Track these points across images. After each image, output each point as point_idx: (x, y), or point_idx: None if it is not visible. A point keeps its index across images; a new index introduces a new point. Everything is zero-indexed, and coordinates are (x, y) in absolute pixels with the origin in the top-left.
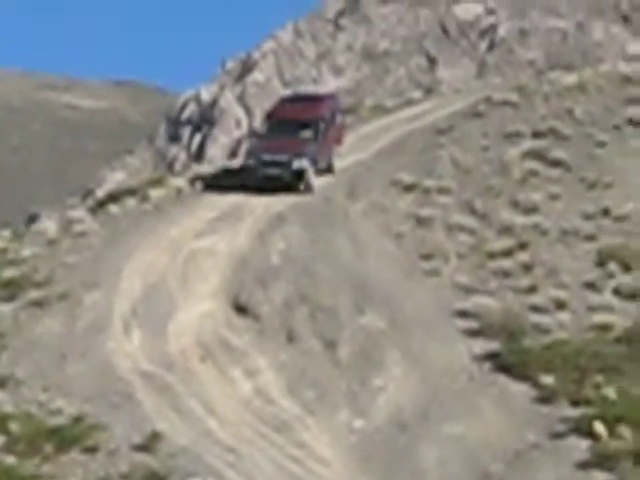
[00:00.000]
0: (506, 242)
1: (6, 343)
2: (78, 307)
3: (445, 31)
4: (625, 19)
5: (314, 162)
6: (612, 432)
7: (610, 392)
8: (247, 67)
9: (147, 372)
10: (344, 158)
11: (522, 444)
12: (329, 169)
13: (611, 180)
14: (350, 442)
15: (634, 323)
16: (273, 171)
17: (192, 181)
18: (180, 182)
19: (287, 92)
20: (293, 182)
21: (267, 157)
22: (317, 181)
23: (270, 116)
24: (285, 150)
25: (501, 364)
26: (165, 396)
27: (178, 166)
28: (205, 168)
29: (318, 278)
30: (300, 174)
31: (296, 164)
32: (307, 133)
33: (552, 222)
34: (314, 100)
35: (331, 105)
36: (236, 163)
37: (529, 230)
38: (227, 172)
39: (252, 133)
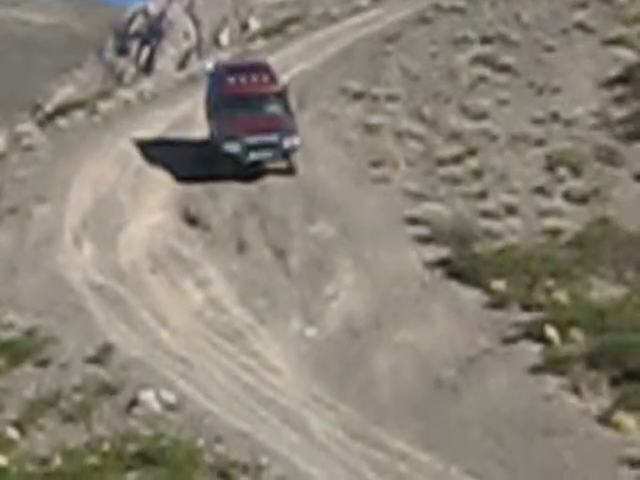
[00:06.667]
0: (455, 148)
1: None
2: (28, 221)
3: None
4: None
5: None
6: (564, 336)
7: (561, 296)
8: None
9: (98, 284)
10: (292, 67)
11: (474, 350)
12: None
13: (559, 84)
14: (302, 351)
15: (584, 227)
16: (263, 154)
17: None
18: (129, 94)
19: (210, 65)
20: (281, 163)
21: (253, 140)
22: None
23: (225, 94)
24: (270, 129)
25: (452, 270)
26: (116, 308)
27: (127, 79)
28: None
29: (268, 187)
30: (287, 154)
31: (287, 143)
32: (275, 107)
33: (501, 128)
34: (262, 70)
35: (276, 73)
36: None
37: (478, 136)
38: (195, 158)
39: (208, 115)
